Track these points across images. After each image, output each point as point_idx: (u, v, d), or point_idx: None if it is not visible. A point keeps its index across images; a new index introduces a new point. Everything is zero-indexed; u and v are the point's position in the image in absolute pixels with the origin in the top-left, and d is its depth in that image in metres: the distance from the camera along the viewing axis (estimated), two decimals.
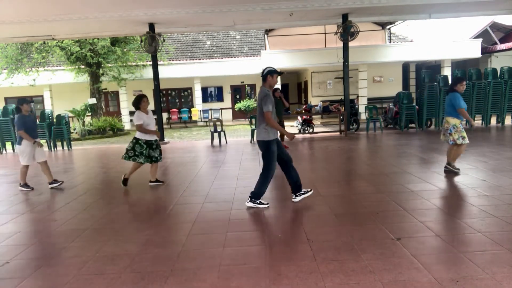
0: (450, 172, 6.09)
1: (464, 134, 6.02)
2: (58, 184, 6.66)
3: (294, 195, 4.97)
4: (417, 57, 19.22)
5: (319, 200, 5.01)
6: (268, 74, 4.67)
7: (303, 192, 4.98)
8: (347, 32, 11.96)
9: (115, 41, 18.18)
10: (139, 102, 6.21)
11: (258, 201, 4.80)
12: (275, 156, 4.72)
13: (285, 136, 10.18)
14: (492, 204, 4.48)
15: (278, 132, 4.75)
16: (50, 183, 6.64)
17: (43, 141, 13.01)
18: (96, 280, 3.09)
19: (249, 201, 4.83)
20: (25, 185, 6.59)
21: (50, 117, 13.11)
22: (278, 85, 18.99)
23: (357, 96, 18.92)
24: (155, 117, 14.39)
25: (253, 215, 4.56)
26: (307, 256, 3.30)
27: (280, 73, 4.82)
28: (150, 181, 6.44)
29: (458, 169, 6.12)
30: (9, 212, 5.25)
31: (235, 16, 11.63)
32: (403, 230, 3.80)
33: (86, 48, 17.00)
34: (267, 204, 4.82)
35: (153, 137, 6.22)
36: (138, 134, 6.17)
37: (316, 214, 4.53)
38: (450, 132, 6.03)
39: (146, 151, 6.13)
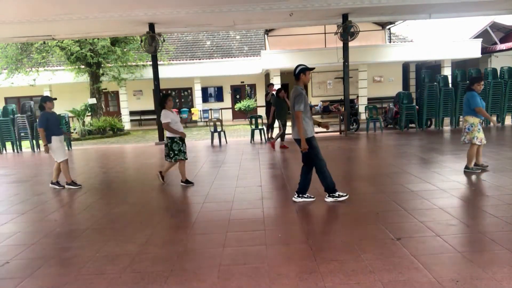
0: (474, 173, 6.05)
1: (481, 135, 6.00)
2: (59, 188, 6.59)
3: (297, 195, 4.99)
4: (417, 57, 19.21)
5: (319, 200, 5.01)
6: (301, 72, 4.70)
7: (306, 196, 4.98)
8: (347, 32, 11.96)
9: (115, 41, 18.18)
10: (164, 101, 6.20)
11: (337, 194, 4.88)
12: (318, 150, 4.80)
13: (285, 136, 10.28)
14: (492, 204, 4.48)
15: (300, 131, 4.74)
16: (52, 183, 6.64)
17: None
18: (96, 280, 3.09)
19: (328, 196, 4.89)
20: (73, 182, 6.59)
21: None
22: (278, 85, 19.00)
23: (357, 96, 18.92)
24: (155, 117, 14.39)
25: (253, 215, 4.56)
26: (307, 256, 3.30)
27: (312, 69, 4.83)
28: (181, 181, 6.39)
29: (476, 168, 6.13)
30: (9, 212, 5.25)
31: (235, 16, 11.63)
32: (403, 230, 3.80)
33: (86, 48, 17.00)
34: (345, 194, 4.90)
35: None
36: (169, 134, 6.20)
37: (316, 214, 4.53)
38: (467, 131, 6.03)
39: (184, 147, 6.23)
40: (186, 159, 6.32)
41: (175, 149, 6.14)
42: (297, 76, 4.73)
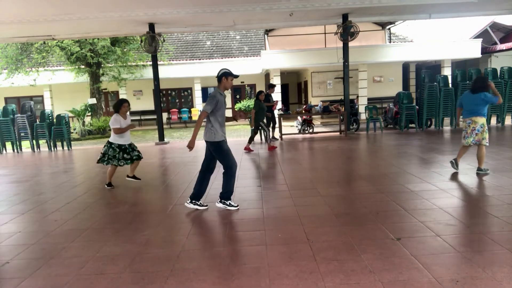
0: (486, 174, 5.98)
1: (487, 136, 5.98)
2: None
3: (189, 200, 4.93)
4: (417, 57, 19.21)
5: (319, 200, 5.01)
6: (224, 75, 4.68)
7: (199, 204, 4.91)
8: (347, 32, 11.96)
9: (115, 41, 18.17)
10: (119, 106, 6.22)
11: (228, 202, 4.82)
12: (229, 152, 4.74)
13: (253, 139, 10.13)
14: (492, 204, 4.48)
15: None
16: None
17: (42, 141, 13.04)
18: (96, 280, 3.09)
19: (218, 202, 4.87)
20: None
21: (50, 117, 13.12)
22: (278, 85, 18.99)
23: (357, 96, 18.91)
24: (155, 117, 14.41)
25: (253, 215, 4.56)
26: (307, 256, 3.30)
27: (235, 76, 4.76)
28: (127, 176, 6.64)
29: (487, 169, 6.08)
30: (9, 212, 5.25)
31: (235, 16, 11.63)
32: (403, 230, 3.80)
33: (86, 48, 17.00)
34: (238, 206, 4.82)
35: (126, 141, 6.30)
36: (111, 138, 6.25)
37: (316, 214, 4.53)
38: (477, 132, 5.96)
39: (119, 154, 6.23)
40: (117, 166, 6.31)
41: (109, 154, 6.19)
42: (219, 79, 4.70)
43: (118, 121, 6.14)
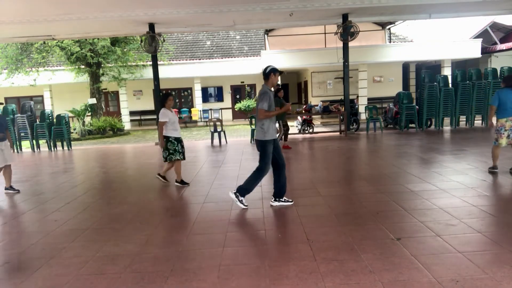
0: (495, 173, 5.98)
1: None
2: (14, 192, 6.37)
3: (274, 199, 4.91)
4: (417, 57, 19.21)
5: (319, 200, 5.01)
6: (272, 72, 4.65)
7: (283, 200, 4.89)
8: (347, 32, 11.95)
9: (115, 41, 18.17)
10: (165, 100, 6.19)
11: (241, 199, 4.79)
12: (270, 157, 4.71)
13: (288, 137, 10.24)
14: (492, 204, 4.48)
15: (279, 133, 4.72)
16: (6, 188, 6.43)
17: (42, 141, 13.03)
18: (96, 280, 3.09)
19: (233, 192, 4.84)
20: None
21: (50, 117, 13.12)
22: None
23: (357, 96, 18.91)
24: (155, 117, 14.44)
25: (253, 215, 4.56)
26: (307, 256, 3.30)
27: (281, 72, 4.79)
28: (176, 181, 6.34)
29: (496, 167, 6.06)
30: (9, 212, 5.24)
31: (235, 16, 11.62)
32: (403, 230, 3.80)
33: (86, 48, 17.00)
34: (247, 206, 4.80)
35: (180, 134, 6.25)
36: (166, 133, 6.14)
37: (316, 214, 4.53)
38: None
39: (179, 147, 6.17)
40: (183, 159, 6.26)
41: (170, 149, 6.12)
42: (267, 76, 4.66)
43: (166, 115, 6.07)
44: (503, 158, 7.08)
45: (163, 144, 6.12)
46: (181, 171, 6.35)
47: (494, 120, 6.21)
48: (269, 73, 4.65)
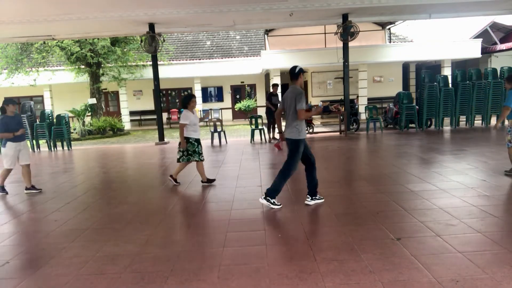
0: None
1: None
2: (37, 191, 6.35)
3: (310, 198, 4.88)
4: (417, 57, 19.21)
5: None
6: (301, 72, 4.71)
7: (318, 198, 4.90)
8: (347, 32, 11.95)
9: (115, 41, 18.17)
10: (188, 101, 6.18)
11: (273, 201, 4.75)
12: (299, 156, 4.74)
13: (277, 136, 10.24)
14: (492, 204, 4.48)
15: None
16: (27, 188, 6.40)
17: (42, 141, 13.03)
18: (96, 280, 3.09)
19: (263, 198, 4.78)
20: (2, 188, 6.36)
21: (50, 117, 13.12)
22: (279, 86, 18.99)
23: (357, 96, 18.92)
24: (155, 117, 14.42)
25: (253, 215, 4.56)
26: (307, 256, 3.30)
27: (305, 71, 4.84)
28: (202, 182, 6.33)
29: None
30: (9, 212, 5.25)
31: (235, 16, 11.63)
32: (403, 230, 3.80)
33: (86, 48, 17.00)
34: (280, 205, 4.77)
35: (199, 136, 6.24)
36: (186, 134, 6.10)
37: (316, 214, 4.53)
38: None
39: (199, 148, 6.16)
40: (202, 160, 6.22)
41: (189, 150, 6.09)
42: (297, 76, 4.68)
43: (188, 117, 6.05)
44: (501, 158, 7.09)
45: (185, 145, 6.09)
46: (204, 171, 6.31)
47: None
48: (298, 73, 4.68)
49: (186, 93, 24.10)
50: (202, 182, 6.29)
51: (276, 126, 11.31)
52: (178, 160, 6.19)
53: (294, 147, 4.70)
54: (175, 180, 6.37)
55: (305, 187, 5.35)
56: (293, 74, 4.70)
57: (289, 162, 4.74)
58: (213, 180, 6.36)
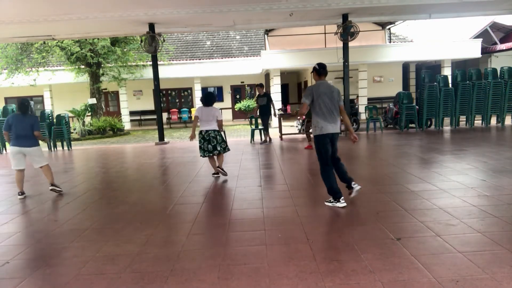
0: None
1: None
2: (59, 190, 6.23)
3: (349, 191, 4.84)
4: (417, 57, 19.20)
5: (319, 200, 5.01)
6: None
7: (352, 186, 4.82)
8: (347, 32, 11.95)
9: (115, 41, 18.18)
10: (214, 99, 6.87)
11: (335, 200, 4.67)
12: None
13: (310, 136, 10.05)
14: (492, 204, 4.48)
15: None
16: (52, 185, 6.27)
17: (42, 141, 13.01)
18: (96, 280, 3.09)
19: (326, 201, 4.77)
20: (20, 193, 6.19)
21: (50, 117, 13.11)
22: (278, 85, 18.99)
23: (357, 96, 18.90)
24: (155, 117, 14.40)
25: (253, 215, 4.56)
26: (307, 256, 3.30)
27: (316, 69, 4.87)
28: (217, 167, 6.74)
29: None
30: (9, 212, 5.25)
31: (235, 16, 11.63)
32: (403, 230, 3.80)
33: (86, 48, 17.00)
34: (343, 202, 4.64)
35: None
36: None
37: (316, 214, 4.53)
38: None
39: (204, 145, 6.57)
40: (210, 155, 6.66)
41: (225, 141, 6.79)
42: (326, 73, 4.77)
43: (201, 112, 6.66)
44: (501, 158, 7.09)
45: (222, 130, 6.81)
46: (216, 163, 6.73)
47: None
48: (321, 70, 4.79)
49: (186, 93, 24.13)
50: (220, 172, 6.75)
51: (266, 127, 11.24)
52: (224, 150, 6.72)
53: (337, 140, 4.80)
54: (222, 170, 6.73)
55: (305, 188, 5.37)
56: (325, 70, 4.75)
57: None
58: (222, 173, 6.74)
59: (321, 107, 4.57)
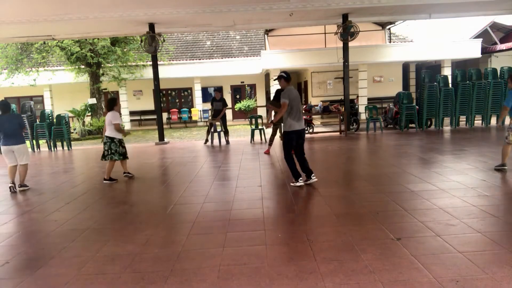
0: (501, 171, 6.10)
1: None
2: (27, 188, 6.59)
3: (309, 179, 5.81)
4: (417, 57, 19.20)
5: (319, 200, 5.01)
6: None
7: (312, 177, 5.85)
8: (347, 32, 11.95)
9: (115, 41, 18.17)
10: (114, 103, 6.84)
11: (296, 180, 5.72)
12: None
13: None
14: (492, 204, 4.48)
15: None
16: (20, 185, 6.55)
17: (42, 141, 13.02)
18: (96, 280, 3.09)
19: (291, 183, 5.76)
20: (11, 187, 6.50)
21: (50, 117, 13.11)
22: (277, 86, 18.96)
23: (357, 96, 18.92)
24: (155, 117, 14.44)
25: (253, 215, 4.56)
26: (307, 256, 3.30)
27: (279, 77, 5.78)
28: (124, 173, 7.13)
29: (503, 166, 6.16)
30: (9, 212, 5.25)
31: (235, 16, 11.63)
32: (403, 230, 3.80)
33: (86, 48, 16.99)
34: (301, 182, 5.68)
35: (120, 136, 6.88)
36: (111, 134, 6.71)
37: (316, 214, 4.53)
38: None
39: (120, 148, 6.83)
40: (124, 159, 6.96)
41: (112, 149, 6.73)
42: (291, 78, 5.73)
43: (118, 118, 6.71)
44: (501, 158, 7.08)
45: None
46: (111, 172, 6.92)
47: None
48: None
49: (186, 93, 24.11)
50: (110, 180, 6.84)
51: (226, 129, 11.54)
52: (103, 158, 6.83)
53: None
54: (110, 179, 6.86)
55: (306, 187, 5.35)
56: (290, 77, 5.70)
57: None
58: (115, 180, 6.88)
59: (293, 109, 5.51)
